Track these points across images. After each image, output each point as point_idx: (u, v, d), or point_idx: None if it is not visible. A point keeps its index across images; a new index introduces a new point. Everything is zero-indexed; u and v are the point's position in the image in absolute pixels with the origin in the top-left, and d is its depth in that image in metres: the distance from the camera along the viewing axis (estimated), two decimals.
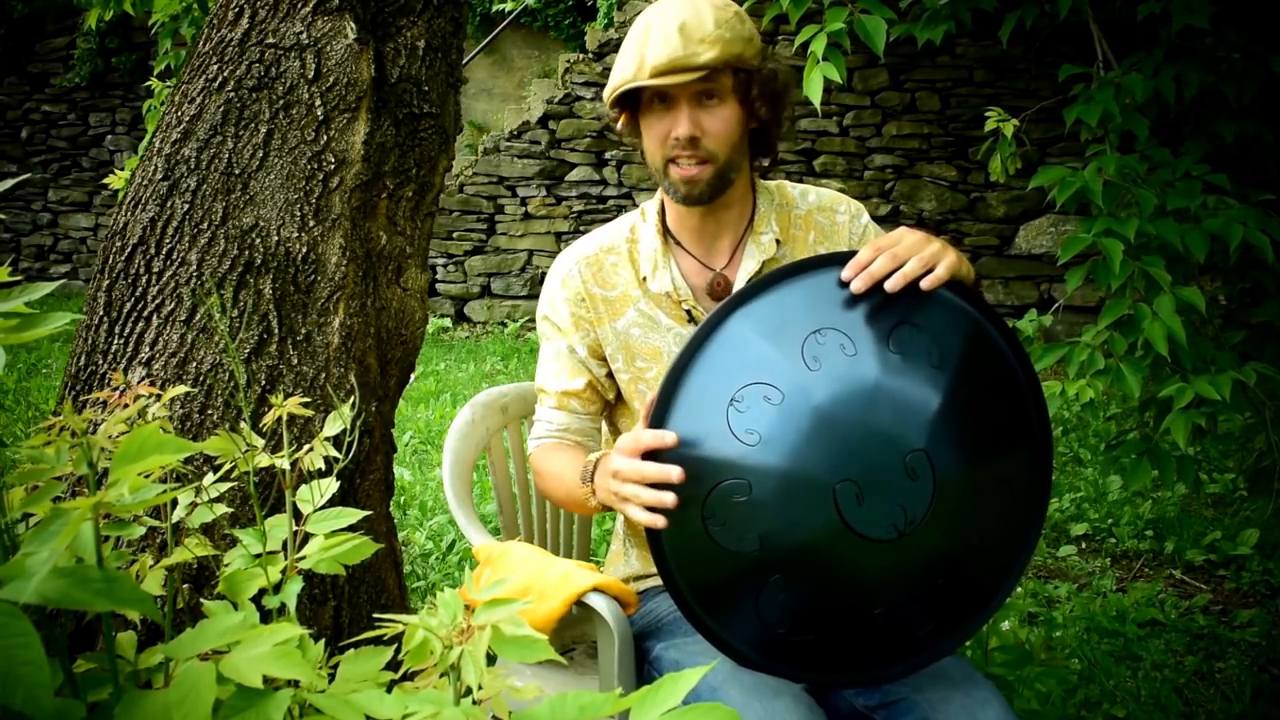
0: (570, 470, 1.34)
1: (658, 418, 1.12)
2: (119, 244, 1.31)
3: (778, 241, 1.43)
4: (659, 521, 1.09)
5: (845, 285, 1.13)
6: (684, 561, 1.12)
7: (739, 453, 1.08)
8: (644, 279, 1.43)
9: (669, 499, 1.08)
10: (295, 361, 1.28)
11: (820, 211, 1.47)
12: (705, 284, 1.43)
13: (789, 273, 1.16)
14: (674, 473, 1.07)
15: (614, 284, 1.44)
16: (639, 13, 5.58)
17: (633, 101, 1.37)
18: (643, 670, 1.36)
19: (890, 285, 1.12)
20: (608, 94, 1.36)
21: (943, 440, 1.10)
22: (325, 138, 1.31)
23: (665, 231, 1.45)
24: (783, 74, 1.37)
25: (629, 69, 1.31)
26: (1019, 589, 2.89)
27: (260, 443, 0.92)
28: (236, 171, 1.29)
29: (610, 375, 1.47)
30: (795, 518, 1.08)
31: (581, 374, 1.45)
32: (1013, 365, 1.18)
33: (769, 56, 1.37)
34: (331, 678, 0.75)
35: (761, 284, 1.16)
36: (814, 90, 2.18)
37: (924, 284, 1.13)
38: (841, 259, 1.15)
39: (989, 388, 1.16)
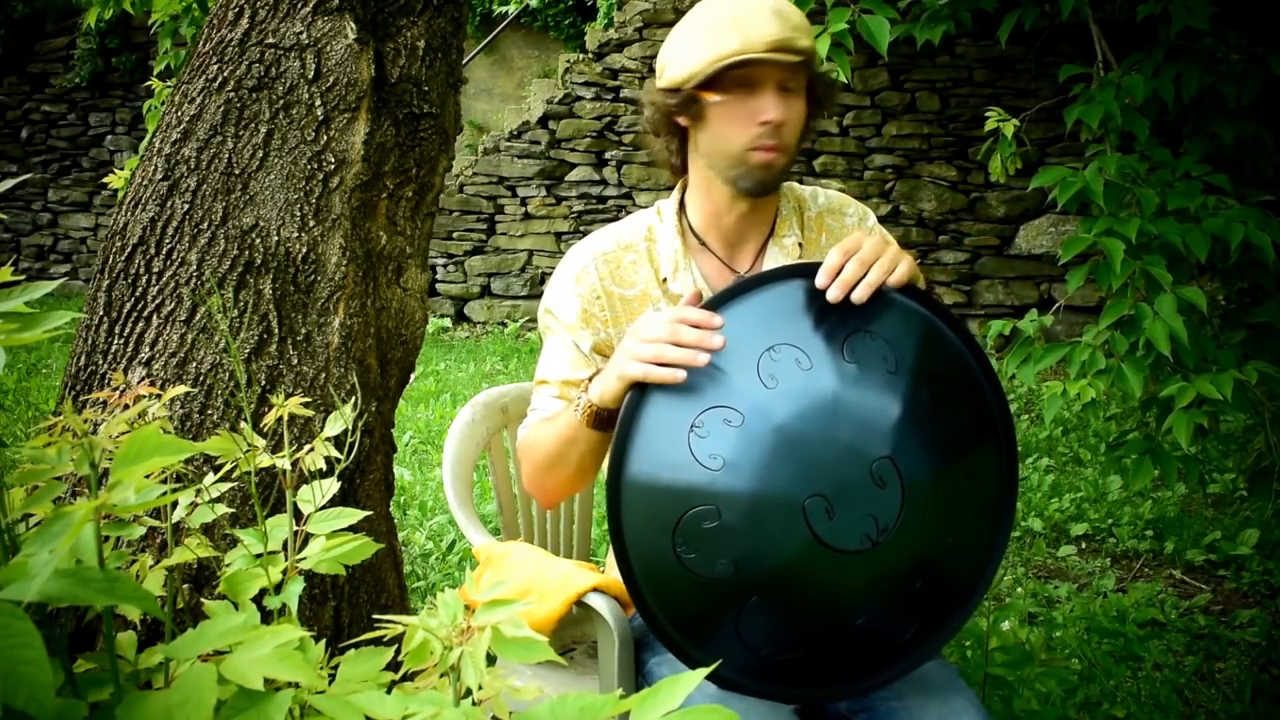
0: (560, 415, 1.30)
1: (617, 451, 1.11)
2: (119, 244, 1.31)
3: (800, 245, 1.41)
4: (679, 375, 1.08)
5: (813, 295, 1.14)
6: (660, 593, 1.11)
7: (704, 478, 1.07)
8: (664, 280, 1.40)
9: (703, 358, 1.08)
10: (295, 361, 1.28)
11: (830, 214, 1.45)
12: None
13: (736, 292, 1.16)
14: (716, 340, 1.07)
15: (632, 282, 1.41)
16: (639, 13, 5.51)
17: (708, 84, 1.29)
18: (636, 682, 1.35)
19: (857, 296, 1.12)
20: (700, 69, 1.27)
21: (906, 444, 1.09)
22: (325, 138, 1.31)
23: (686, 232, 1.42)
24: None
25: (732, 43, 1.24)
26: (1019, 589, 2.89)
27: (261, 443, 0.92)
28: (236, 171, 1.29)
29: None
30: (767, 538, 1.07)
31: (587, 366, 1.40)
32: (969, 361, 1.18)
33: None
34: (332, 678, 0.75)
35: (709, 306, 1.15)
36: None
37: (890, 282, 1.14)
38: (786, 274, 1.16)
39: (948, 387, 1.16)
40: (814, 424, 1.09)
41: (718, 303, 1.15)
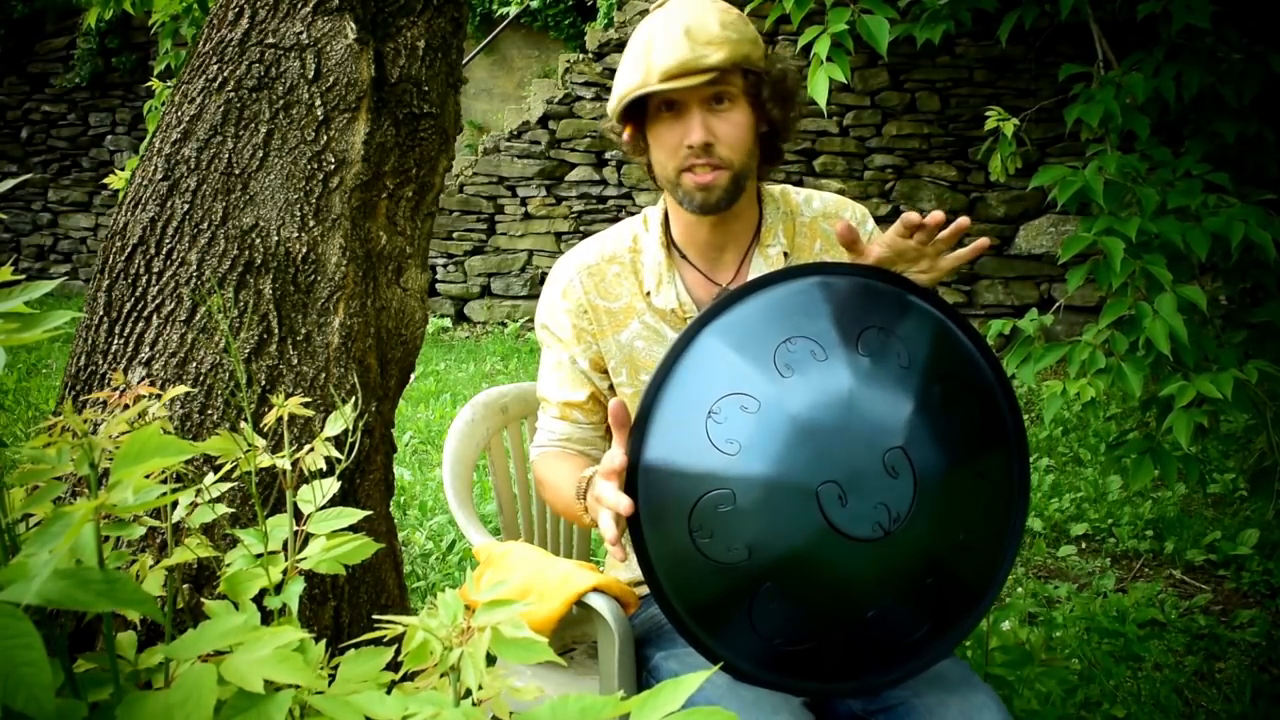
0: (567, 484, 1.33)
1: (636, 438, 1.13)
2: (119, 244, 1.31)
3: (785, 254, 1.40)
4: (616, 553, 1.11)
5: (827, 293, 1.17)
6: (675, 578, 1.12)
7: (721, 463, 1.09)
8: (648, 293, 1.40)
9: (609, 533, 1.10)
10: (295, 361, 1.28)
11: (825, 218, 1.44)
12: (710, 299, 1.39)
13: (754, 287, 1.19)
14: (622, 504, 1.08)
15: (617, 295, 1.41)
16: (640, 13, 5.53)
17: (639, 112, 1.32)
18: (641, 678, 1.35)
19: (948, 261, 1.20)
20: (614, 106, 1.31)
21: (919, 436, 1.11)
22: (325, 138, 1.31)
23: (669, 244, 1.41)
24: (791, 75, 1.35)
25: (635, 76, 1.27)
26: (1019, 589, 2.89)
27: (261, 443, 0.92)
28: (236, 171, 1.29)
29: (613, 386, 1.44)
30: (781, 523, 1.08)
31: (583, 386, 1.43)
32: (980, 362, 1.20)
33: (776, 58, 1.34)
34: (332, 678, 0.75)
35: (728, 300, 1.18)
36: (819, 91, 2.18)
37: (925, 278, 1.20)
38: (802, 272, 1.19)
39: (959, 384, 1.18)
40: (828, 412, 1.10)
41: (734, 299, 1.18)
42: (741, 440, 1.09)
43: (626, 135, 1.35)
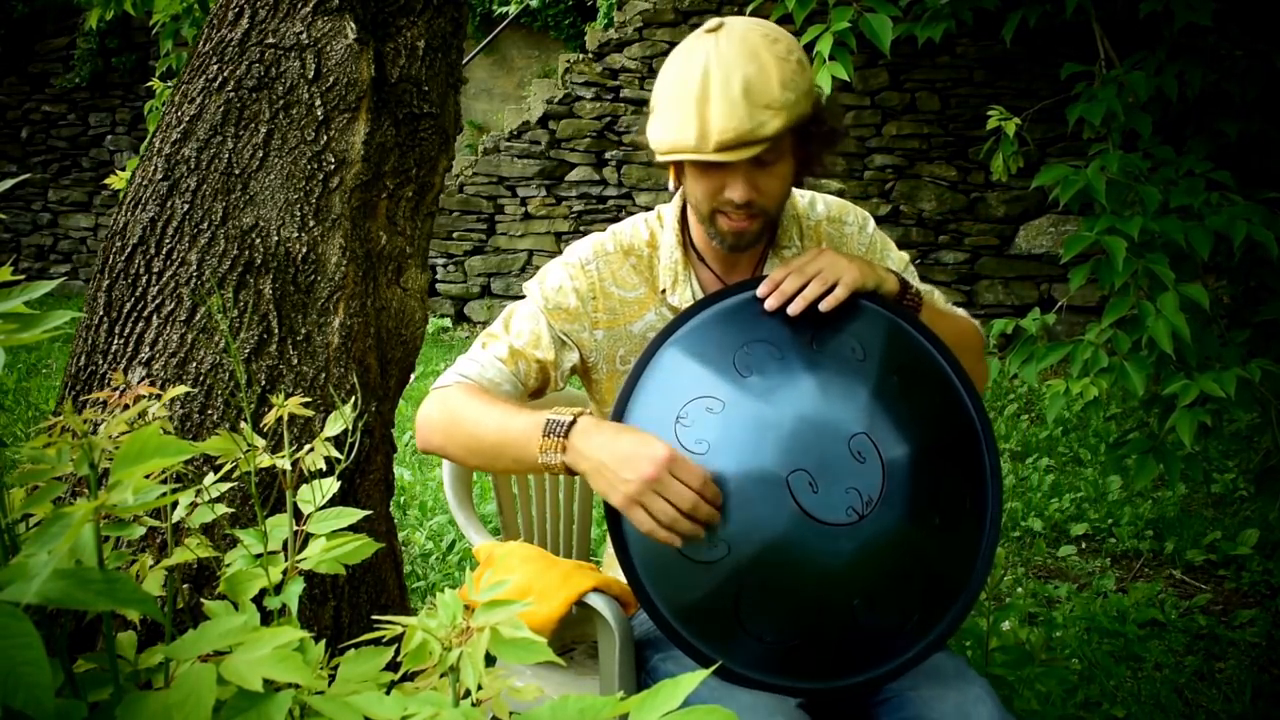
0: (514, 412, 1.26)
1: None
2: (119, 244, 1.31)
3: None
4: (675, 541, 1.11)
5: (760, 303, 1.23)
6: (661, 584, 1.15)
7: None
8: (663, 291, 1.39)
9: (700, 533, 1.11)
10: (295, 361, 1.28)
11: (830, 222, 1.45)
12: None
13: (707, 303, 1.25)
14: (715, 516, 1.11)
15: (634, 285, 1.41)
16: (639, 13, 5.45)
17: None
18: (640, 679, 1.35)
19: (791, 309, 1.21)
20: (663, 150, 1.24)
21: (881, 422, 1.16)
22: (325, 138, 1.31)
23: (686, 244, 1.41)
24: (835, 119, 1.31)
25: (689, 134, 1.20)
26: (1019, 589, 2.89)
27: (261, 443, 0.91)
28: (236, 171, 1.29)
29: (574, 372, 1.41)
30: (756, 514, 1.12)
31: (549, 352, 1.37)
32: (937, 359, 1.24)
33: (824, 103, 1.30)
34: (331, 679, 0.75)
35: (683, 317, 1.25)
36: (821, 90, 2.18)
37: (822, 306, 1.20)
38: (753, 284, 1.25)
39: (915, 375, 1.23)
40: (790, 404, 1.16)
41: (692, 312, 1.24)
42: (710, 439, 1.14)
43: (671, 175, 1.34)
